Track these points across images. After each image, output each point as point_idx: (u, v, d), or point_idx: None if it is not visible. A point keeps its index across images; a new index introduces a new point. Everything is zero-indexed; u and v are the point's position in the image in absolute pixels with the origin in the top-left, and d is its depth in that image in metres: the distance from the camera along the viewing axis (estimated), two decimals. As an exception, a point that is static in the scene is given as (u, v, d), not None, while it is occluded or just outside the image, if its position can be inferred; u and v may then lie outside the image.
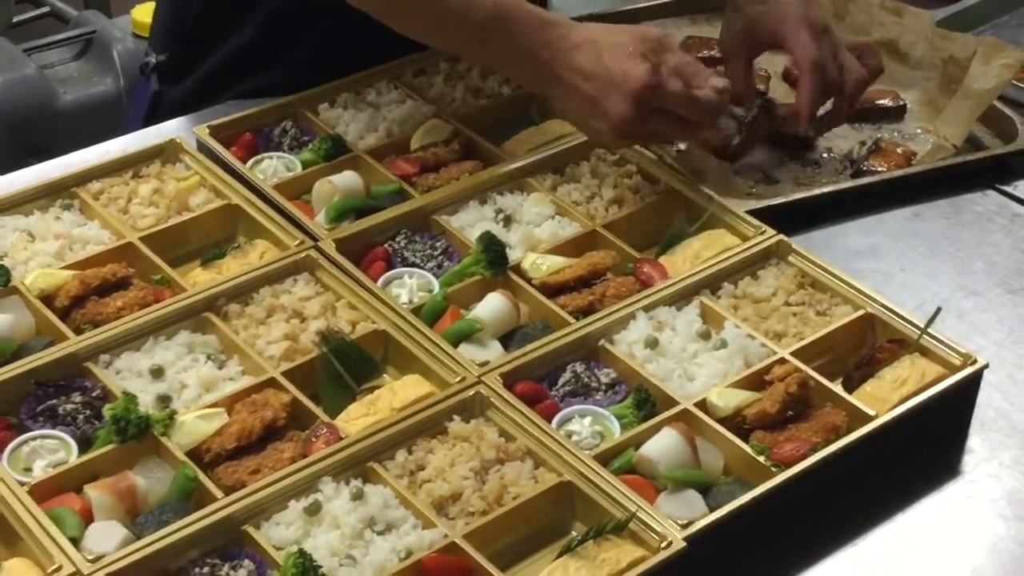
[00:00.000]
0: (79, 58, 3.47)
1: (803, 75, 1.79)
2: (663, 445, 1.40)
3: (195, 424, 1.42)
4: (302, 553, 1.26)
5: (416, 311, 1.57)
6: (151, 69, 2.04)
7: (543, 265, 1.63)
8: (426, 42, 1.85)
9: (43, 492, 1.35)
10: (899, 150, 1.91)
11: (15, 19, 3.88)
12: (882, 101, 2.02)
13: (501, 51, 1.69)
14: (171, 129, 1.89)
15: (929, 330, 1.54)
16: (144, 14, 3.43)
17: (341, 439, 1.41)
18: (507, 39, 1.67)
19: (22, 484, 1.35)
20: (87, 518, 1.33)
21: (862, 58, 1.86)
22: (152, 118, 2.00)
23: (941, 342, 1.53)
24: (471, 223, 1.71)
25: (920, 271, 1.76)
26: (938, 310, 1.55)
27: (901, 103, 2.02)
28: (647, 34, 1.65)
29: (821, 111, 1.83)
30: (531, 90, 1.82)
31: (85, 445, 1.42)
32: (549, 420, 1.45)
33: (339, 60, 1.93)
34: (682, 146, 1.86)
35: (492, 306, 1.55)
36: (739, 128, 1.80)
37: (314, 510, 1.35)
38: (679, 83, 1.62)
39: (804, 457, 1.40)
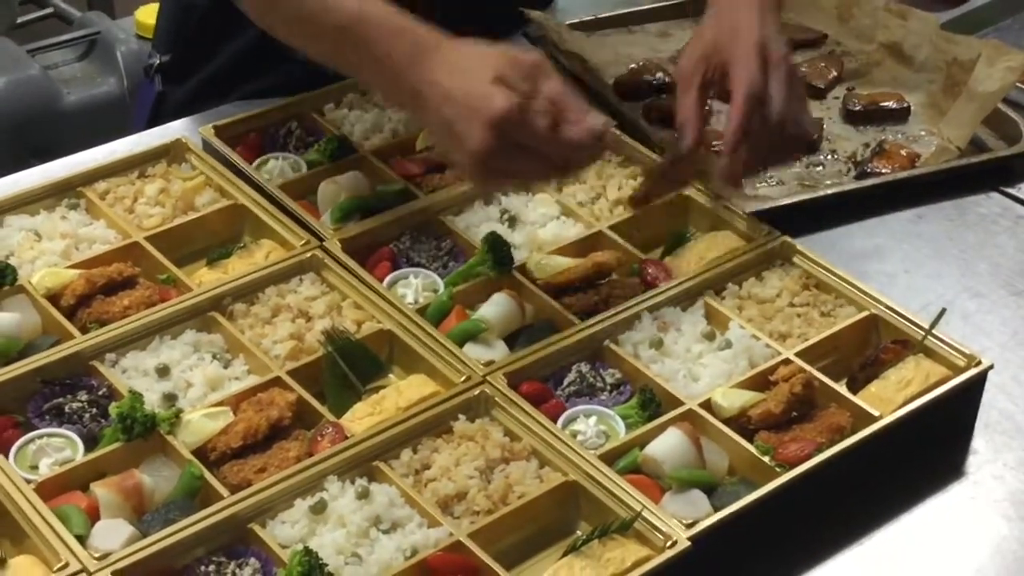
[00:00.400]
0: (83, 59, 3.47)
1: (735, 102, 1.59)
2: (668, 445, 1.41)
3: (201, 423, 1.43)
4: (308, 551, 1.27)
5: (421, 311, 1.57)
6: (155, 70, 2.04)
7: (548, 265, 1.64)
8: (289, 43, 1.67)
9: (49, 490, 1.36)
10: (903, 152, 1.91)
11: (19, 20, 3.89)
12: (886, 103, 2.02)
13: (361, 60, 1.53)
14: (176, 129, 1.89)
15: (933, 331, 1.54)
16: (148, 15, 3.43)
17: (347, 438, 1.42)
18: (367, 47, 1.50)
19: (29, 482, 1.36)
20: (93, 516, 1.34)
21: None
22: (156, 119, 2.01)
23: (945, 343, 1.54)
24: (476, 224, 1.71)
25: (924, 273, 1.76)
26: (942, 311, 1.55)
27: (905, 105, 2.02)
28: (519, 59, 1.44)
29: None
30: (397, 108, 1.66)
31: (91, 443, 1.43)
32: (554, 420, 1.45)
33: None
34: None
35: (498, 306, 1.56)
36: (648, 172, 1.68)
37: (320, 509, 1.35)
38: (546, 119, 1.41)
39: (809, 457, 1.40)
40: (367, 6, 1.51)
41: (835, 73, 2.08)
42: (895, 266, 1.77)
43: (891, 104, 2.02)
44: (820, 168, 1.91)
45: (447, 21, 1.58)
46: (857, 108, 2.01)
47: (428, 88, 1.45)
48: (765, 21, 1.63)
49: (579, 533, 1.35)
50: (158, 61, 2.04)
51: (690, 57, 1.67)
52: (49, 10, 3.99)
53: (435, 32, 1.49)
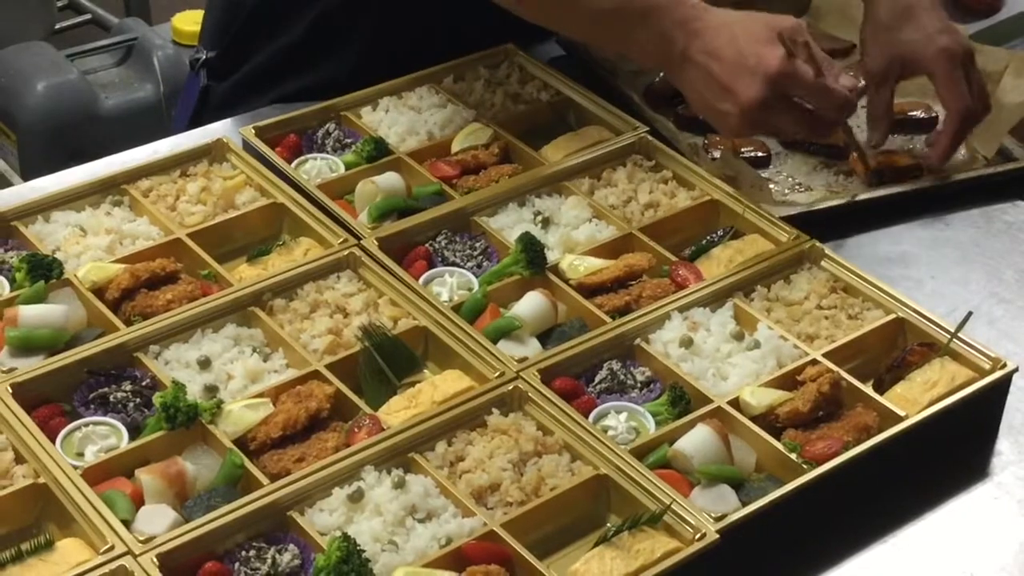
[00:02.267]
0: (120, 64, 3.53)
1: (951, 121, 1.85)
2: (697, 440, 1.44)
3: (242, 413, 1.46)
4: (346, 537, 1.30)
5: (456, 308, 1.61)
6: (200, 65, 2.08)
7: (580, 266, 1.67)
8: (554, 27, 1.90)
9: (95, 476, 1.40)
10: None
11: (58, 26, 3.96)
12: (914, 113, 2.04)
13: (634, 32, 1.70)
14: (218, 130, 1.93)
15: (959, 334, 1.57)
16: (184, 22, 3.49)
17: (383, 430, 1.45)
18: (641, 20, 1.68)
19: (75, 468, 1.39)
20: (138, 501, 1.38)
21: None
22: (199, 113, 2.05)
23: (971, 346, 1.56)
24: (510, 224, 1.74)
25: (950, 279, 1.78)
26: (969, 314, 1.58)
27: (933, 115, 2.04)
28: (782, 21, 1.65)
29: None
30: (658, 70, 1.83)
31: (134, 432, 1.47)
32: (586, 415, 1.48)
33: (381, 65, 1.97)
34: (716, 153, 1.90)
35: (531, 304, 1.59)
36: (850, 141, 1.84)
37: (357, 497, 1.39)
38: (812, 72, 1.62)
39: (836, 455, 1.43)
40: None
41: (863, 82, 2.10)
42: (921, 272, 1.79)
43: (919, 113, 2.04)
44: (848, 176, 1.94)
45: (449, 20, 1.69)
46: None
47: (703, 57, 1.65)
48: (943, 15, 1.86)
49: (609, 525, 1.38)
50: (204, 56, 2.09)
51: (878, 56, 1.88)
52: (87, 16, 4.06)
53: (698, 1, 1.69)
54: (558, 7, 1.77)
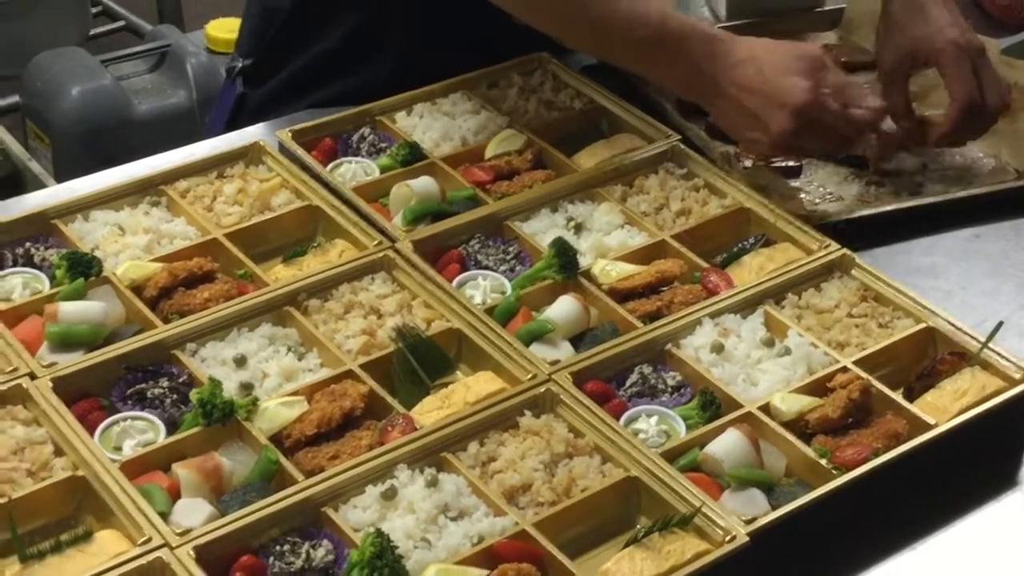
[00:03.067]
0: (154, 71, 3.56)
1: (953, 109, 1.87)
2: (728, 444, 1.45)
3: (277, 410, 1.48)
4: (380, 533, 1.32)
5: (489, 311, 1.62)
6: (236, 72, 2.11)
7: (613, 271, 1.68)
8: (588, 53, 1.96)
9: (133, 469, 1.42)
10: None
11: (92, 32, 4.00)
12: (942, 126, 2.05)
13: (665, 65, 1.77)
14: (254, 133, 1.96)
15: (990, 344, 1.58)
16: (218, 29, 3.53)
17: (416, 429, 1.47)
18: (672, 54, 1.74)
19: (113, 461, 1.41)
20: (175, 495, 1.40)
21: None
22: (235, 120, 2.08)
23: (1002, 356, 1.57)
24: (543, 230, 1.76)
25: (981, 290, 1.79)
26: (999, 324, 1.59)
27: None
28: (807, 51, 1.73)
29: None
30: (690, 99, 1.89)
31: (171, 428, 1.49)
32: (617, 418, 1.50)
33: (414, 74, 1.99)
34: (748, 162, 1.91)
35: (564, 308, 1.61)
36: (883, 138, 1.88)
37: (390, 495, 1.40)
38: (837, 103, 1.70)
39: (865, 461, 1.44)
40: (668, 19, 1.75)
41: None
42: (951, 283, 1.80)
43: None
44: (879, 186, 1.95)
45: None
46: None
47: (733, 89, 1.72)
48: (954, 11, 1.88)
49: (639, 527, 1.39)
50: (240, 64, 2.11)
51: (890, 53, 1.93)
52: (121, 23, 4.10)
53: (727, 34, 1.76)
54: (593, 38, 1.81)
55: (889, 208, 1.87)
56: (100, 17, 4.13)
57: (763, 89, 1.70)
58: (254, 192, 1.80)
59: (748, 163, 1.91)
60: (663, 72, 1.81)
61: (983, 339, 1.59)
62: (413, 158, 1.86)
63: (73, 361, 1.52)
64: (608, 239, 1.75)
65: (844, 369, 1.56)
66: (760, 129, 1.72)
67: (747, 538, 1.35)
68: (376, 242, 1.71)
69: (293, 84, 2.06)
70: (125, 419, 1.48)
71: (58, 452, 1.44)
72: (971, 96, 1.86)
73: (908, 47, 1.91)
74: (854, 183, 1.95)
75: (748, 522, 1.37)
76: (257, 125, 1.99)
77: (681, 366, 1.58)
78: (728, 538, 1.35)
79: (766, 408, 1.51)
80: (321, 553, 1.35)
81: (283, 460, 1.43)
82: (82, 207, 1.76)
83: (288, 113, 2.01)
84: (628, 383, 1.56)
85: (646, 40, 1.75)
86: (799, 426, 1.51)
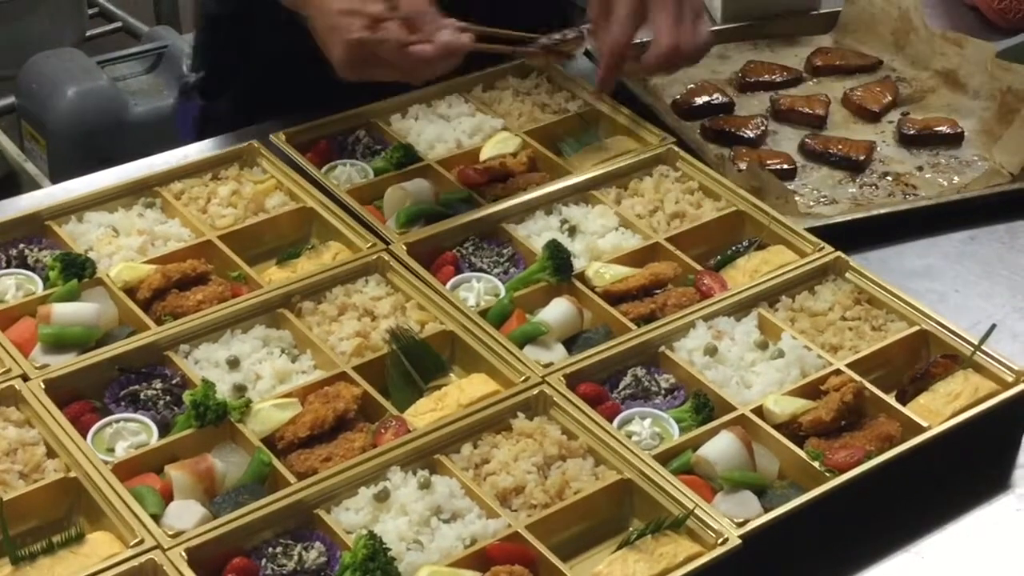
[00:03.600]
0: (149, 72, 3.57)
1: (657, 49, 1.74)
2: (720, 447, 1.45)
3: (270, 412, 1.48)
4: (372, 535, 1.31)
5: (483, 313, 1.62)
6: (191, 87, 2.11)
7: (606, 274, 1.68)
8: None
9: (125, 471, 1.42)
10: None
11: (88, 33, 4.00)
12: (940, 128, 2.06)
13: None
14: (248, 135, 1.95)
15: (983, 347, 1.58)
16: (214, 31, 3.52)
17: (409, 431, 1.47)
18: None
19: (106, 463, 1.41)
20: (167, 497, 1.40)
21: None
22: (203, 134, 2.04)
23: (994, 359, 1.57)
24: (537, 232, 1.76)
25: (975, 293, 1.79)
26: (992, 327, 1.59)
27: (959, 131, 2.06)
28: None
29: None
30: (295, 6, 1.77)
31: (164, 429, 1.49)
32: (610, 420, 1.50)
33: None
34: (742, 165, 1.91)
35: (558, 310, 1.61)
36: (544, 48, 1.82)
37: (383, 497, 1.40)
38: (398, 35, 1.64)
39: (858, 464, 1.44)
40: None
41: (890, 98, 2.12)
42: (945, 285, 1.80)
43: (945, 129, 2.06)
44: (874, 188, 1.95)
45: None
46: (911, 132, 2.05)
47: (311, 7, 1.68)
48: None
49: (632, 529, 1.39)
50: (193, 78, 2.10)
51: None
52: (118, 24, 4.09)
53: None
54: None
55: (883, 211, 1.88)
56: (96, 18, 4.13)
57: (323, 17, 1.66)
58: (248, 194, 1.80)
59: (743, 166, 1.91)
60: None
61: (976, 342, 1.59)
62: (407, 160, 1.86)
63: (66, 363, 1.52)
64: (602, 242, 1.75)
65: (837, 372, 1.56)
66: (329, 52, 1.67)
67: (739, 541, 1.35)
68: (370, 244, 1.71)
69: (252, 92, 2.04)
70: (118, 421, 1.48)
71: (51, 454, 1.44)
72: (617, 38, 1.73)
73: None
74: (849, 186, 1.95)
75: (740, 525, 1.37)
76: (252, 127, 1.97)
77: (674, 368, 1.58)
78: (720, 540, 1.35)
79: (759, 411, 1.51)
80: (313, 555, 1.35)
81: (276, 462, 1.43)
82: (76, 208, 1.76)
83: (257, 122, 1.98)
84: (621, 385, 1.56)
85: None
86: (792, 428, 1.51)
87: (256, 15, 2.00)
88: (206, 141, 1.96)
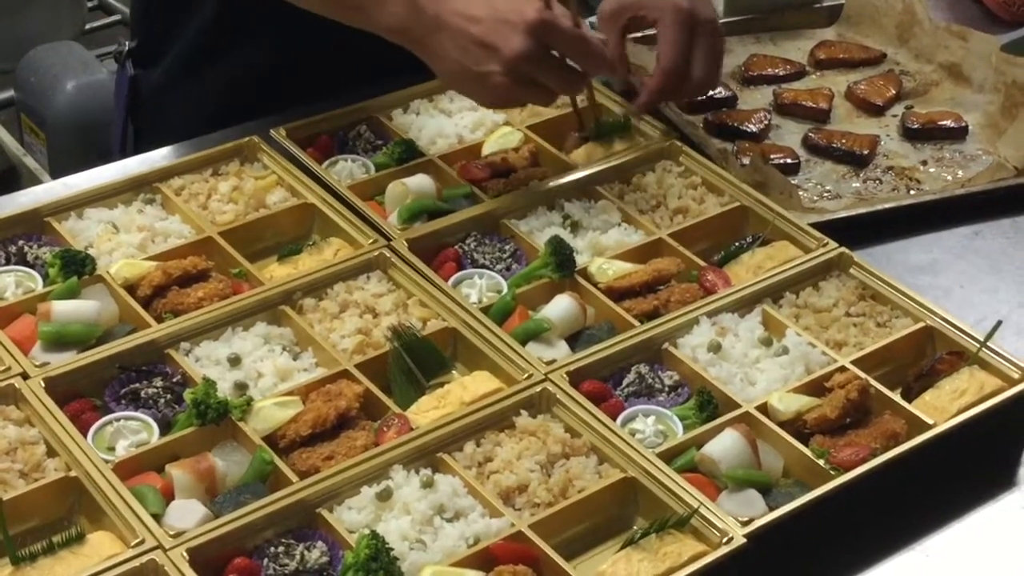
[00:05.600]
0: (149, 65, 3.54)
1: (657, 73, 1.77)
2: (725, 445, 1.44)
3: (272, 411, 1.47)
4: (375, 535, 1.31)
5: (485, 310, 1.61)
6: (125, 56, 2.06)
7: (609, 270, 1.67)
8: (306, 7, 1.80)
9: (126, 470, 1.41)
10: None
11: (88, 26, 3.98)
12: (944, 122, 2.04)
13: (379, 8, 1.67)
14: (249, 130, 1.94)
15: (988, 343, 1.57)
16: (214, 24, 3.51)
17: (412, 430, 1.46)
18: None
19: (107, 462, 1.40)
20: (168, 496, 1.39)
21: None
22: (134, 105, 2.02)
23: (1000, 355, 1.56)
24: (539, 228, 1.75)
25: (980, 288, 1.78)
26: (998, 323, 1.58)
27: (963, 124, 2.04)
28: None
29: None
30: (402, 43, 1.71)
31: (165, 428, 1.48)
32: (614, 418, 1.49)
33: (307, 41, 1.92)
34: (746, 160, 1.90)
35: (560, 307, 1.60)
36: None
37: (385, 496, 1.39)
38: (569, 22, 1.64)
39: (863, 462, 1.43)
40: None
41: (893, 91, 2.11)
42: (951, 281, 1.79)
43: (949, 123, 2.04)
44: (877, 183, 1.94)
45: None
46: (915, 126, 2.04)
47: (456, 19, 1.62)
48: None
49: (636, 528, 1.39)
50: (127, 46, 2.07)
51: (610, 4, 1.81)
52: (117, 17, 4.08)
53: None
54: None
55: (887, 206, 1.87)
56: (95, 11, 4.12)
57: (490, 14, 1.61)
58: (249, 190, 1.79)
59: (746, 160, 1.90)
60: (377, 17, 1.69)
61: (982, 338, 1.58)
62: (409, 156, 1.85)
63: (66, 361, 1.51)
64: (605, 237, 1.74)
65: (842, 369, 1.55)
66: (494, 58, 1.61)
67: (744, 539, 1.35)
68: (372, 240, 1.70)
69: (185, 62, 2.01)
70: (118, 419, 1.47)
71: (51, 453, 1.43)
72: (676, 65, 1.74)
73: (622, 3, 1.79)
74: (852, 180, 1.94)
75: (745, 523, 1.36)
76: (252, 122, 1.96)
77: (678, 365, 1.57)
78: (725, 539, 1.34)
79: (764, 408, 1.51)
80: (316, 555, 1.34)
81: (277, 461, 1.42)
82: (76, 205, 1.75)
83: (191, 92, 1.96)
84: (625, 383, 1.55)
85: None
86: (797, 426, 1.50)
87: None
88: (206, 137, 1.95)
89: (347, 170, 1.84)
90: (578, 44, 1.65)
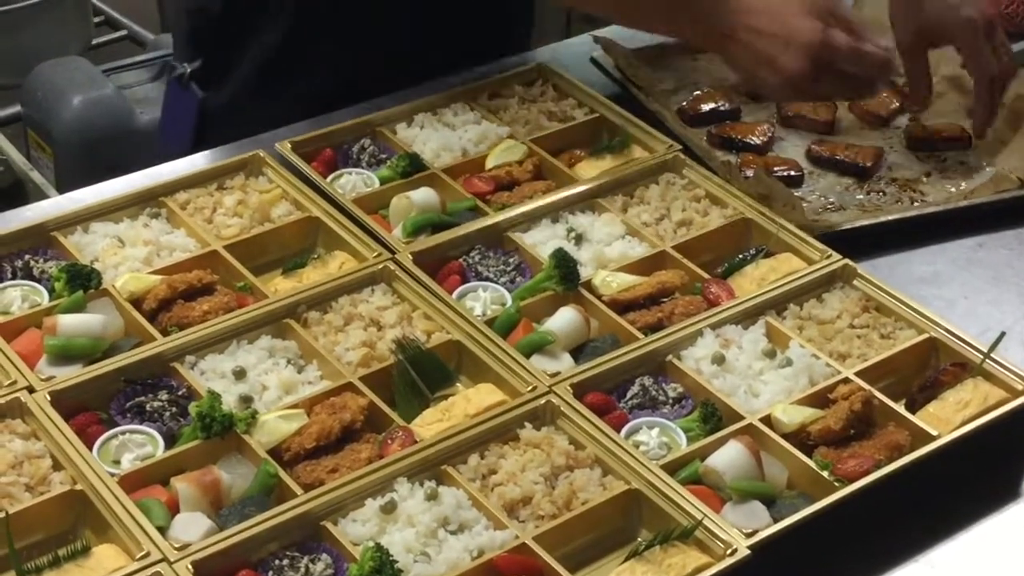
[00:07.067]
0: (155, 80, 3.55)
1: (980, 88, 1.95)
2: (729, 457, 1.44)
3: (276, 424, 1.48)
4: (379, 548, 1.31)
5: (490, 323, 1.62)
6: (188, 77, 2.07)
7: (613, 282, 1.68)
8: (592, 10, 2.02)
9: (131, 483, 1.41)
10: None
11: (94, 41, 4.00)
12: (948, 134, 2.05)
13: (674, 15, 1.83)
14: (252, 145, 1.95)
15: (992, 355, 1.57)
16: (220, 38, 3.52)
17: (416, 442, 1.46)
18: (681, 4, 1.81)
19: (112, 475, 1.41)
20: (173, 509, 1.39)
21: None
22: (204, 127, 2.03)
23: (1004, 367, 1.56)
24: (543, 240, 1.75)
25: (984, 299, 1.78)
26: (1002, 335, 1.58)
27: (967, 136, 2.05)
28: None
29: None
30: (703, 47, 1.96)
31: (170, 441, 1.48)
32: (617, 430, 1.49)
33: (376, 62, 1.98)
34: (749, 172, 1.91)
35: (564, 320, 1.60)
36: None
37: (390, 508, 1.40)
38: (847, 38, 1.73)
39: (867, 473, 1.43)
40: None
41: (897, 103, 2.11)
42: (954, 292, 1.79)
43: (953, 135, 2.04)
44: (881, 195, 1.95)
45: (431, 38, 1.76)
46: (919, 138, 2.04)
47: (746, 33, 1.75)
48: None
49: (640, 540, 1.39)
50: (188, 69, 2.08)
51: (906, 29, 1.97)
52: (123, 32, 4.09)
53: None
54: None
55: (891, 218, 1.87)
56: (102, 27, 4.13)
57: (776, 32, 1.73)
58: (254, 203, 1.80)
59: (749, 173, 1.91)
60: (673, 23, 1.86)
61: (986, 349, 1.58)
62: (413, 169, 1.86)
63: (72, 374, 1.52)
64: (609, 250, 1.74)
65: (846, 380, 1.55)
66: (776, 74, 1.74)
67: (748, 551, 1.35)
68: (376, 253, 1.70)
69: (254, 81, 2.03)
70: (124, 432, 1.47)
71: (56, 466, 1.44)
72: (994, 76, 1.92)
73: (923, 24, 1.94)
74: (856, 192, 1.94)
75: (749, 535, 1.36)
76: (256, 136, 1.97)
77: (682, 377, 1.57)
78: (729, 551, 1.34)
79: (767, 420, 1.51)
80: (320, 567, 1.35)
81: (282, 474, 1.43)
82: (81, 219, 1.76)
83: (259, 113, 1.97)
84: (629, 395, 1.55)
85: None
86: (801, 438, 1.50)
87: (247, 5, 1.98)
88: (211, 151, 1.96)
89: (351, 183, 1.85)
90: (856, 59, 1.74)
